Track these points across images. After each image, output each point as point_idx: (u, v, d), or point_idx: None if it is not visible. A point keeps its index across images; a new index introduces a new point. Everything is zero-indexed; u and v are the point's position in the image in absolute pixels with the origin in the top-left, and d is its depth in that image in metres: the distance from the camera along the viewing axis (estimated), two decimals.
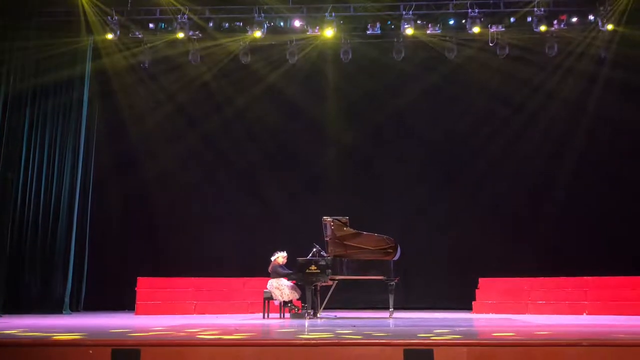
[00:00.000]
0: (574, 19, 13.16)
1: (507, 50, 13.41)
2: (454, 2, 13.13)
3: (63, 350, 5.33)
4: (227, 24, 13.62)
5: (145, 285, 12.23)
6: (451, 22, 13.46)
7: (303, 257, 10.24)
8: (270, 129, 14.61)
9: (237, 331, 6.84)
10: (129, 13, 13.35)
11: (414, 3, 13.09)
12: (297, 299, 10.61)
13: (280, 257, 10.60)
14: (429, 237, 13.83)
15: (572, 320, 9.63)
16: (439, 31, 13.34)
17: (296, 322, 9.28)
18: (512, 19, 13.20)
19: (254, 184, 14.46)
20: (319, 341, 5.34)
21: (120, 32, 13.29)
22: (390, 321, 9.11)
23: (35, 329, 7.39)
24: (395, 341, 5.23)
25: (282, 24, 13.66)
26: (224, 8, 13.56)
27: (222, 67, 14.28)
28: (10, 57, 13.16)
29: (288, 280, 10.44)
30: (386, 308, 10.45)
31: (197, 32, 13.48)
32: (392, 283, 10.25)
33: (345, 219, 10.43)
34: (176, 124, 14.59)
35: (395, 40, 13.69)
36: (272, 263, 10.58)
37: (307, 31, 13.52)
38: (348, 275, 10.30)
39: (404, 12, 13.11)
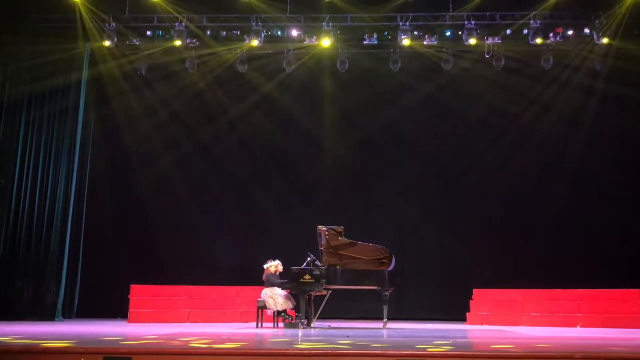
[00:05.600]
0: (570, 32, 13.28)
1: (502, 62, 13.48)
2: (451, 13, 13.21)
3: (54, 358, 5.28)
4: (224, 33, 13.68)
5: (138, 293, 12.19)
6: (448, 33, 13.56)
7: (297, 267, 10.21)
8: (266, 137, 14.61)
9: (229, 340, 6.80)
10: (127, 20, 13.39)
11: (411, 14, 13.18)
12: (291, 309, 10.56)
13: (272, 266, 10.55)
14: (424, 248, 13.82)
15: (565, 332, 9.61)
16: (435, 42, 13.45)
17: (290, 331, 9.23)
18: (508, 31, 13.28)
19: (248, 192, 14.43)
20: (312, 351, 5.30)
21: (117, 39, 13.30)
22: (384, 332, 9.08)
23: (26, 336, 7.32)
24: (389, 352, 5.20)
25: (279, 33, 13.73)
26: (222, 16, 13.60)
27: (219, 75, 14.28)
28: (5, 63, 13.19)
29: (282, 289, 10.39)
30: (380, 318, 10.40)
31: (194, 40, 13.52)
32: (386, 293, 10.20)
33: (340, 228, 10.40)
34: (171, 131, 14.56)
35: (392, 50, 13.77)
36: (265, 271, 10.54)
37: (304, 41, 13.58)
38: (342, 285, 10.23)
39: (400, 23, 13.20)
